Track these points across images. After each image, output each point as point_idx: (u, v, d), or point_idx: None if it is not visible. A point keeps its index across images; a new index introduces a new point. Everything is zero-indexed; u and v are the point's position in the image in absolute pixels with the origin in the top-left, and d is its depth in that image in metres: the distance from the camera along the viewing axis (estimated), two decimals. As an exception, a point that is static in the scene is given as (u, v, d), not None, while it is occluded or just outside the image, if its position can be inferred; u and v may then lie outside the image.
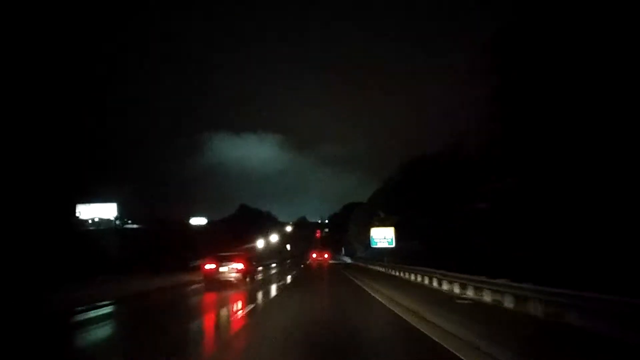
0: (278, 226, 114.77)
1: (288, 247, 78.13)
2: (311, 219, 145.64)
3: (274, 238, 77.22)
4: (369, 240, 42.94)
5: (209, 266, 21.18)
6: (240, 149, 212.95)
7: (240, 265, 21.14)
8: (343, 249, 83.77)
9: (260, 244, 65.84)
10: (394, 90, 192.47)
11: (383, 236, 40.79)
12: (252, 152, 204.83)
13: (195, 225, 74.77)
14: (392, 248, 40.10)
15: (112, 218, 72.99)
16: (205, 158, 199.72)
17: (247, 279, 22.03)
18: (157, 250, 51.43)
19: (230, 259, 21.34)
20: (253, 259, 27.97)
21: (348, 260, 67.44)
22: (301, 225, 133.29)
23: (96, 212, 70.95)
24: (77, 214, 65.91)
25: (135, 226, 79.54)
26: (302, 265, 51.93)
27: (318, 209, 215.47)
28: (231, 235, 77.53)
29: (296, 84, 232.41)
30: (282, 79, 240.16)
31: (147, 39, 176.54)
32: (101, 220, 70.57)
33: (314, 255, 62.83)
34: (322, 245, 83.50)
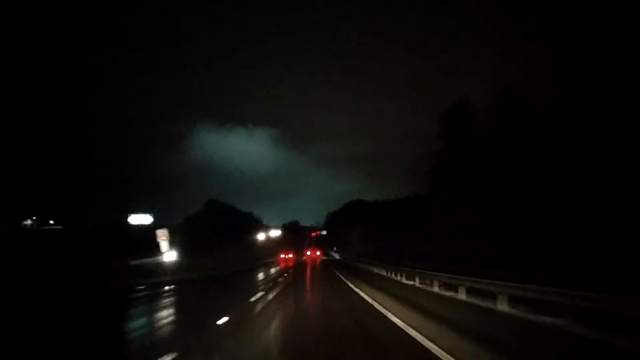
0: (262, 229, 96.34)
1: None
2: (305, 223, 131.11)
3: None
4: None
5: (282, 255, 64.46)
6: (226, 144, 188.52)
7: (291, 255, 66.10)
8: (335, 247, 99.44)
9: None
10: (397, 93, 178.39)
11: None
12: (240, 148, 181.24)
13: (135, 225, 55.50)
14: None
15: None
16: (184, 152, 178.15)
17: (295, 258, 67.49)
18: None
19: (289, 253, 66.46)
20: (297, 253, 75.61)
21: (337, 256, 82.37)
22: (292, 229, 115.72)
23: None
24: None
25: (58, 227, 61.45)
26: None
27: (312, 213, 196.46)
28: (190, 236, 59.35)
29: (294, 77, 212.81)
30: (279, 70, 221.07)
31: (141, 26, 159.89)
32: None
33: (308, 253, 75.08)
34: (316, 244, 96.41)
